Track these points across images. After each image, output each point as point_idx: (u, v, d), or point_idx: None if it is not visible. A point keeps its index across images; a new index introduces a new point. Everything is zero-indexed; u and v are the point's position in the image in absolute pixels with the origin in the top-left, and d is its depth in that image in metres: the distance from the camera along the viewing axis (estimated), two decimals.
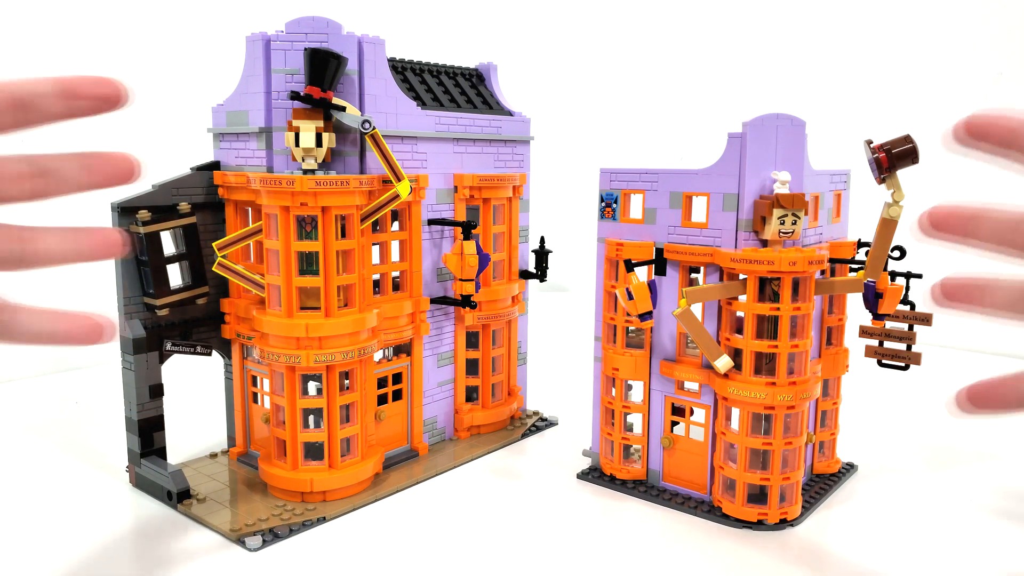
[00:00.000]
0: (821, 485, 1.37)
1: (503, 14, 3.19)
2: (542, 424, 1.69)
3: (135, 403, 1.31)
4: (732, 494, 1.25)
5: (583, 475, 1.42)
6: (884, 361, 1.38)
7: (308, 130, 1.21)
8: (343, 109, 1.24)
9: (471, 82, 1.63)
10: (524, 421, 1.69)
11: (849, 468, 1.45)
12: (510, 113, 1.62)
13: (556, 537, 1.20)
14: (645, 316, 1.20)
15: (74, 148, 0.62)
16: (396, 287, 1.48)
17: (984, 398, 0.55)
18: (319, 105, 1.22)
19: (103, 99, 0.56)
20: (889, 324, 1.37)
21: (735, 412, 1.25)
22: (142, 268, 1.29)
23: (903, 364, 1.37)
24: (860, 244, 1.36)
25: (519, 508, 1.30)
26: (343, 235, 1.26)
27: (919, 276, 1.31)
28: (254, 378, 1.44)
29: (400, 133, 1.38)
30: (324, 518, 1.25)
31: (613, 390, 1.36)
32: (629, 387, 1.38)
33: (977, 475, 1.45)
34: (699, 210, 1.26)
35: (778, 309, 1.17)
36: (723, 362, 1.20)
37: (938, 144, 0.57)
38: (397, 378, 1.46)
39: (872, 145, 1.15)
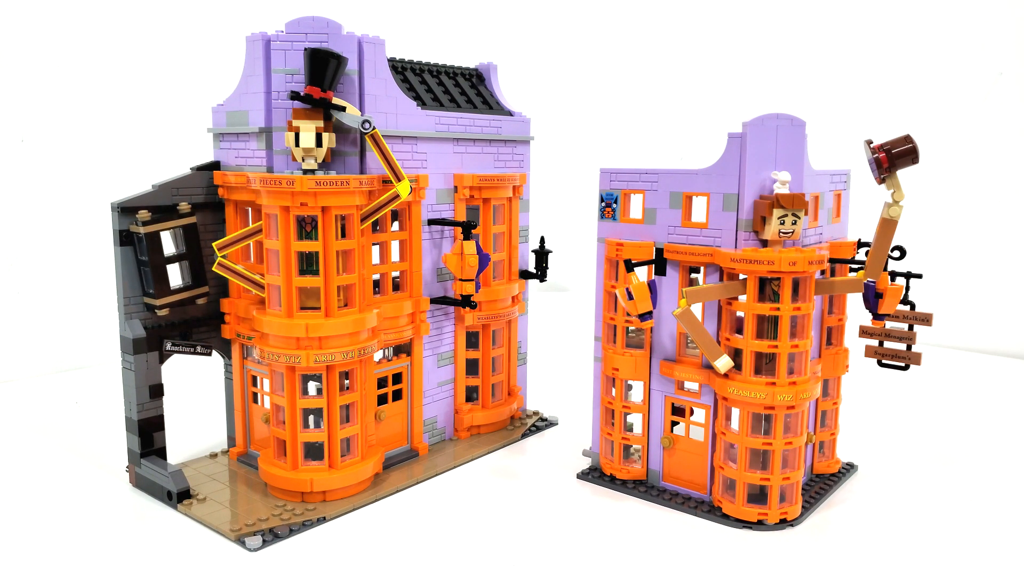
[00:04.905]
0: (821, 485, 1.37)
1: (503, 14, 3.19)
2: (542, 424, 1.69)
3: (135, 403, 1.31)
4: (732, 494, 1.25)
5: (583, 475, 1.42)
6: (884, 361, 1.38)
7: (308, 130, 1.21)
8: (343, 109, 1.24)
9: (471, 82, 1.62)
10: (524, 421, 1.69)
11: (849, 468, 1.45)
12: (510, 113, 1.62)
13: (556, 537, 1.20)
14: (645, 316, 1.20)
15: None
16: (396, 287, 1.48)
17: None
18: (319, 105, 1.22)
19: None
20: (889, 324, 1.37)
21: (735, 412, 1.25)
22: (142, 268, 1.29)
23: (903, 364, 1.37)
24: (860, 244, 1.36)
25: (519, 508, 1.31)
26: (343, 235, 1.26)
27: (919, 276, 1.31)
28: (254, 378, 1.44)
29: (400, 133, 1.38)
30: (324, 518, 1.25)
31: (613, 390, 1.36)
32: (629, 387, 1.38)
33: (977, 475, 1.45)
34: (699, 210, 1.26)
35: (778, 309, 1.17)
36: (723, 362, 1.20)
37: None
38: (397, 378, 1.46)
39: (872, 145, 1.15)
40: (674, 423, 1.35)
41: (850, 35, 2.61)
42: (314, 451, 1.32)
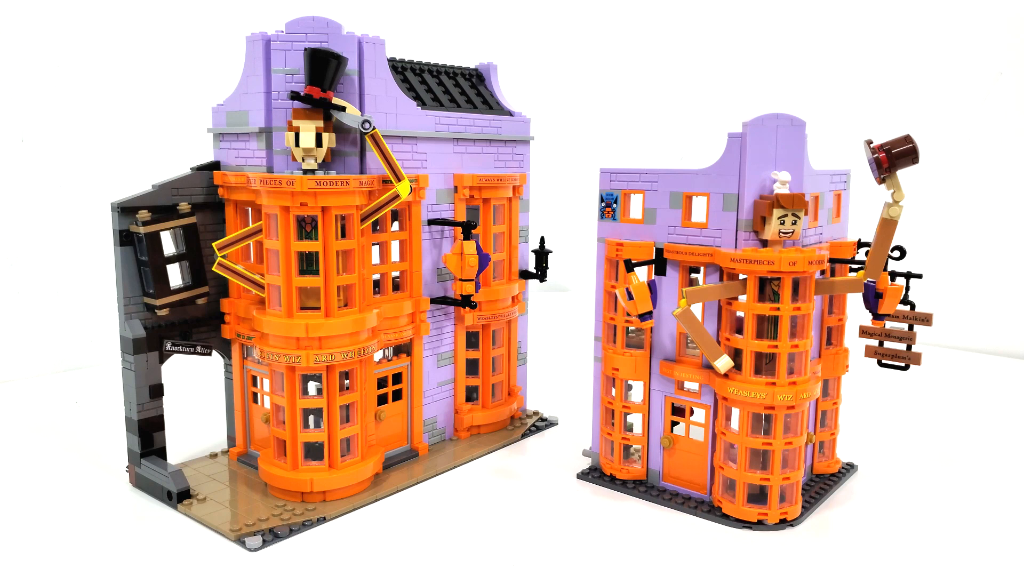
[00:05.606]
0: (821, 485, 1.37)
1: (503, 14, 3.19)
2: (542, 424, 1.69)
3: (135, 403, 1.31)
4: (732, 494, 1.25)
5: (583, 475, 1.42)
6: (884, 361, 1.38)
7: (308, 130, 1.21)
8: (343, 109, 1.24)
9: (471, 82, 1.62)
10: (524, 421, 1.69)
11: (849, 468, 1.45)
12: (510, 113, 1.62)
13: (556, 537, 1.20)
14: (645, 316, 1.20)
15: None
16: (396, 287, 1.48)
17: None
18: (319, 105, 1.22)
19: None
20: (889, 324, 1.37)
21: (735, 412, 1.25)
22: (142, 268, 1.29)
23: (903, 364, 1.37)
24: (860, 244, 1.36)
25: (519, 508, 1.30)
26: (343, 235, 1.26)
27: (919, 276, 1.31)
28: (254, 378, 1.44)
29: (400, 133, 1.38)
30: (324, 518, 1.25)
31: (613, 390, 1.36)
32: (629, 387, 1.38)
33: (977, 475, 1.45)
34: (699, 210, 1.26)
35: (778, 309, 1.17)
36: (723, 362, 1.20)
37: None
38: (397, 378, 1.46)
39: (872, 145, 1.15)
40: (674, 423, 1.35)
41: (850, 35, 2.61)
42: (314, 451, 1.32)
